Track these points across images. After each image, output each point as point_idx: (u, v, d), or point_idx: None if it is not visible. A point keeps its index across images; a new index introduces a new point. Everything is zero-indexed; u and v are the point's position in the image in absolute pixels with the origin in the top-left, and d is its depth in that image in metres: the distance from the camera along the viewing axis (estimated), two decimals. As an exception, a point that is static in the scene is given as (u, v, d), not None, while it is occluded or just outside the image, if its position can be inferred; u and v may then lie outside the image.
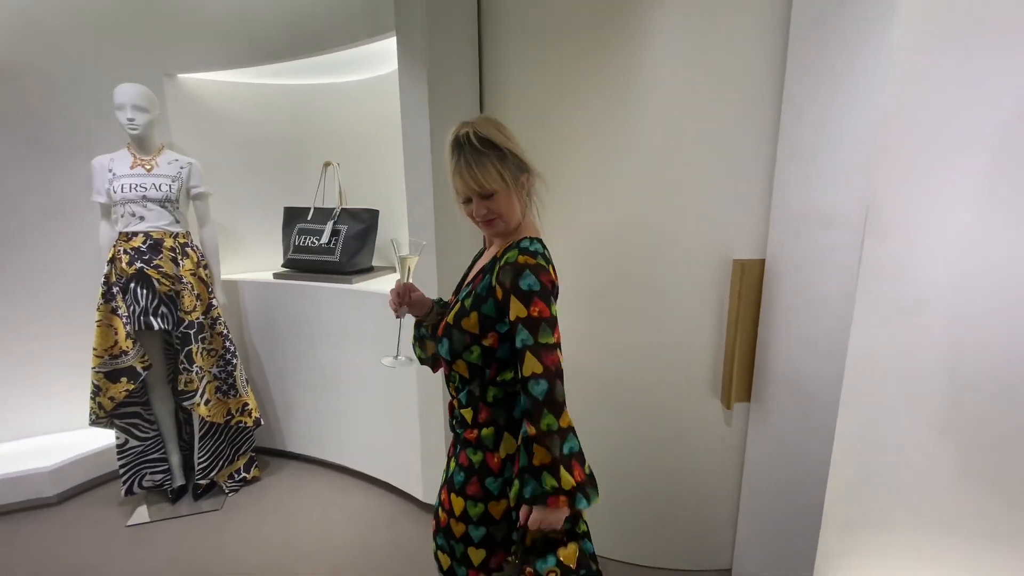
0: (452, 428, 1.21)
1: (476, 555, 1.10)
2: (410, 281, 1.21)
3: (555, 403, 0.96)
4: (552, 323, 0.99)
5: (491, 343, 1.05)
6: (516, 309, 0.98)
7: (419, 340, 1.28)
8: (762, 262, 1.61)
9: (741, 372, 1.69)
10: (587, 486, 0.98)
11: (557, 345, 0.99)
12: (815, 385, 1.46)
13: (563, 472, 0.94)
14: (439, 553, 1.16)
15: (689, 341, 1.75)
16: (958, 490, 1.41)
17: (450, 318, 1.09)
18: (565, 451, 0.96)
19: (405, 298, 1.18)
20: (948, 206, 1.31)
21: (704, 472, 1.83)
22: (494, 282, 1.02)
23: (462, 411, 1.12)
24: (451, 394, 1.17)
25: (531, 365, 0.96)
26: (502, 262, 1.02)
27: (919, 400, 1.41)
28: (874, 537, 1.49)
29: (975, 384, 1.36)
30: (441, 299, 1.30)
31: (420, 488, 2.24)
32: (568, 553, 1.02)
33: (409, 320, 1.30)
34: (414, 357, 1.31)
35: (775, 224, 1.58)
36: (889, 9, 1.19)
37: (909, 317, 1.37)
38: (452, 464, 1.13)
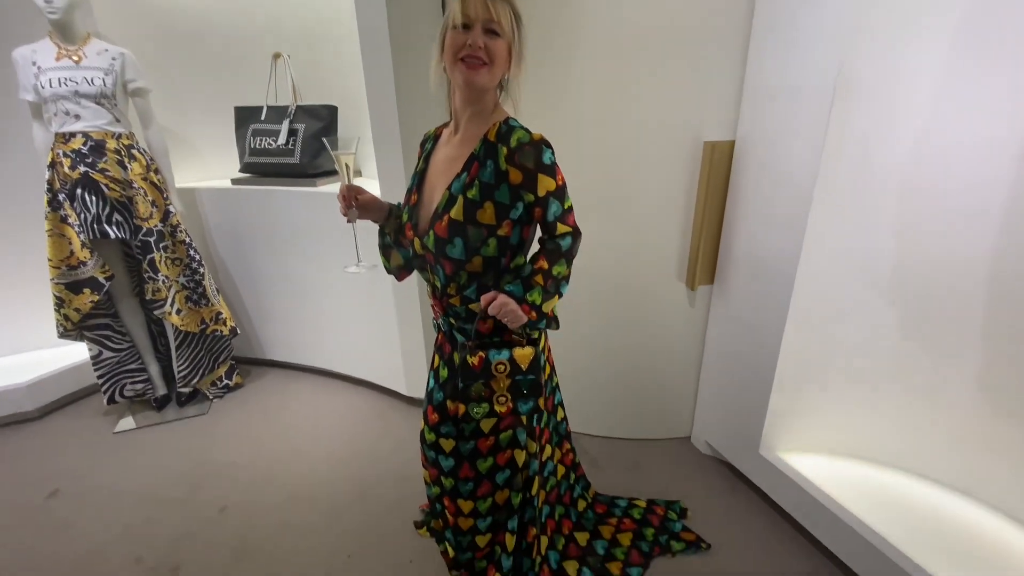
0: (446, 326, 1.21)
1: (488, 423, 1.21)
2: (352, 182, 1.17)
3: (571, 255, 1.07)
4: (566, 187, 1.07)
5: (505, 232, 1.05)
6: (546, 184, 1.02)
7: (383, 249, 1.26)
8: (732, 143, 1.62)
9: (706, 255, 1.75)
10: (554, 320, 1.12)
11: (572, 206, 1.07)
12: (774, 263, 1.53)
13: (550, 299, 1.07)
14: (441, 441, 1.24)
15: (659, 227, 1.78)
16: (897, 352, 1.56)
17: (456, 214, 1.03)
18: (562, 291, 1.08)
19: (351, 200, 1.14)
20: (913, 74, 1.32)
21: (668, 351, 1.95)
22: (505, 166, 1.00)
23: (472, 306, 1.12)
24: (449, 293, 1.13)
25: (562, 228, 1.05)
26: (512, 144, 1.00)
27: (869, 272, 1.51)
28: (818, 396, 1.65)
29: (921, 252, 1.45)
30: (398, 204, 1.25)
31: (403, 383, 2.33)
32: (523, 353, 1.10)
33: (366, 226, 1.26)
34: (377, 262, 1.31)
35: (747, 102, 1.56)
36: None
37: (865, 190, 1.42)
38: (459, 358, 1.15)
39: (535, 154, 1.00)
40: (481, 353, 1.08)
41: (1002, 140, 1.28)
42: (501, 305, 1.02)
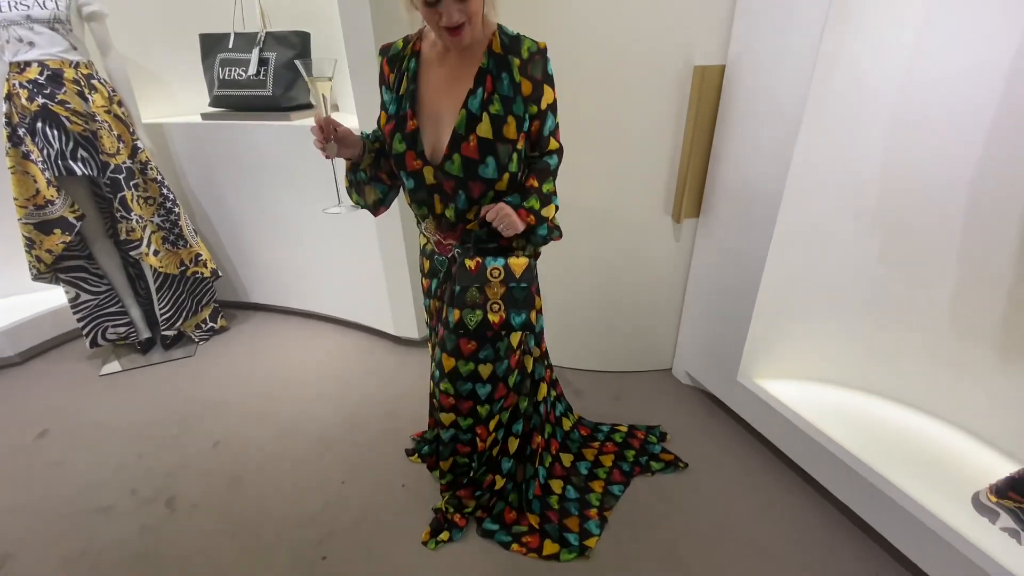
0: (455, 253, 1.18)
1: (516, 336, 1.24)
2: (329, 112, 1.09)
3: (556, 172, 1.12)
4: None
5: (522, 145, 1.07)
6: (547, 96, 1.05)
7: (356, 185, 1.20)
8: (722, 68, 1.57)
9: (693, 187, 1.74)
10: (556, 229, 1.16)
11: None
12: (760, 192, 1.53)
13: (547, 207, 1.11)
14: (480, 368, 1.23)
15: (646, 157, 1.75)
16: (873, 279, 1.59)
17: (484, 132, 1.01)
18: (555, 203, 1.13)
19: (329, 132, 1.04)
20: (903, 8, 1.28)
21: (652, 285, 1.97)
22: (519, 77, 1.01)
23: (471, 217, 1.14)
24: (469, 219, 1.12)
25: (552, 144, 1.10)
26: (524, 55, 1.01)
27: (852, 200, 1.51)
28: (796, 324, 1.69)
29: (904, 180, 1.45)
30: (365, 133, 1.19)
31: (391, 322, 2.33)
32: (517, 261, 1.14)
33: (341, 164, 1.20)
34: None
35: (739, 21, 1.50)
36: None
37: (852, 119, 1.40)
38: (458, 262, 1.18)
39: (543, 64, 1.03)
40: (478, 258, 1.12)
41: (989, 65, 1.26)
42: (498, 210, 1.04)
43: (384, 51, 1.13)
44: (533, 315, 1.18)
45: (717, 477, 1.61)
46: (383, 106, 1.14)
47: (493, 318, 1.14)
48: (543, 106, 1.05)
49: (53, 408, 2.04)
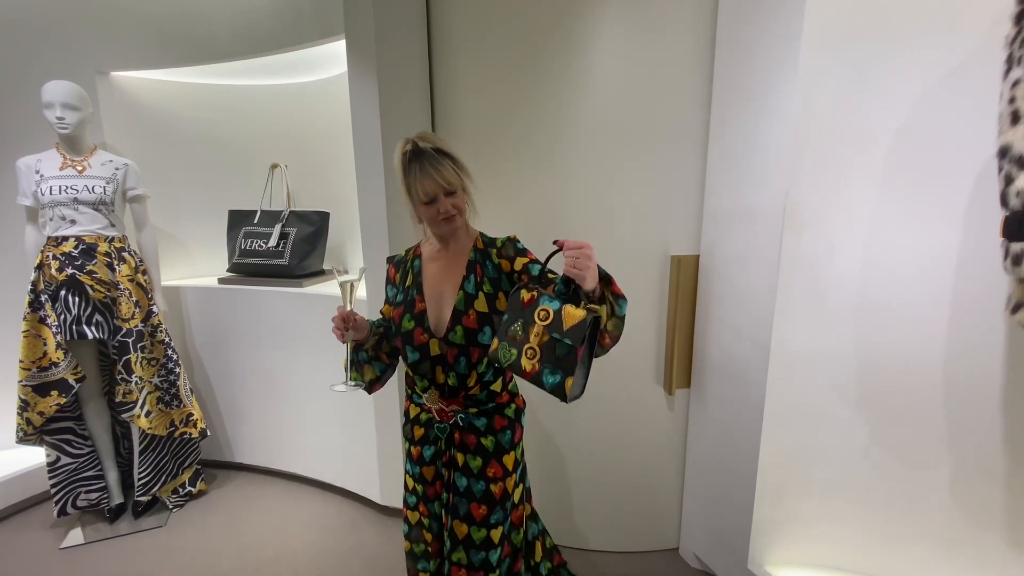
0: (465, 421, 1.25)
1: (516, 489, 1.30)
2: (352, 308, 1.26)
3: None
4: None
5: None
6: (522, 260, 1.23)
7: (356, 364, 1.32)
8: (696, 257, 1.74)
9: (681, 360, 1.81)
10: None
11: None
12: (745, 370, 1.59)
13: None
14: (491, 533, 1.26)
15: (633, 334, 1.84)
16: (869, 458, 1.57)
17: (481, 307, 1.19)
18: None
19: (350, 322, 1.22)
20: (851, 203, 1.47)
21: (651, 457, 1.93)
22: (497, 260, 1.23)
23: (492, 387, 1.25)
24: (469, 385, 1.23)
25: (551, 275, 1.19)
26: (499, 245, 1.24)
27: (833, 379, 1.56)
28: (801, 506, 1.63)
29: (878, 361, 1.51)
30: (372, 320, 1.33)
31: (377, 491, 2.23)
32: (572, 311, 1.01)
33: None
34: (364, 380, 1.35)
35: (707, 221, 1.70)
36: (797, 35, 1.34)
37: (821, 305, 1.52)
38: (490, 440, 1.25)
39: (513, 245, 1.24)
40: (534, 292, 1.05)
41: (936, 258, 1.40)
42: (581, 246, 0.99)
43: (390, 260, 1.36)
44: (568, 382, 1.02)
45: None
46: (387, 300, 1.34)
47: (526, 365, 1.04)
48: (519, 267, 1.20)
49: (-1, 592, 1.85)
